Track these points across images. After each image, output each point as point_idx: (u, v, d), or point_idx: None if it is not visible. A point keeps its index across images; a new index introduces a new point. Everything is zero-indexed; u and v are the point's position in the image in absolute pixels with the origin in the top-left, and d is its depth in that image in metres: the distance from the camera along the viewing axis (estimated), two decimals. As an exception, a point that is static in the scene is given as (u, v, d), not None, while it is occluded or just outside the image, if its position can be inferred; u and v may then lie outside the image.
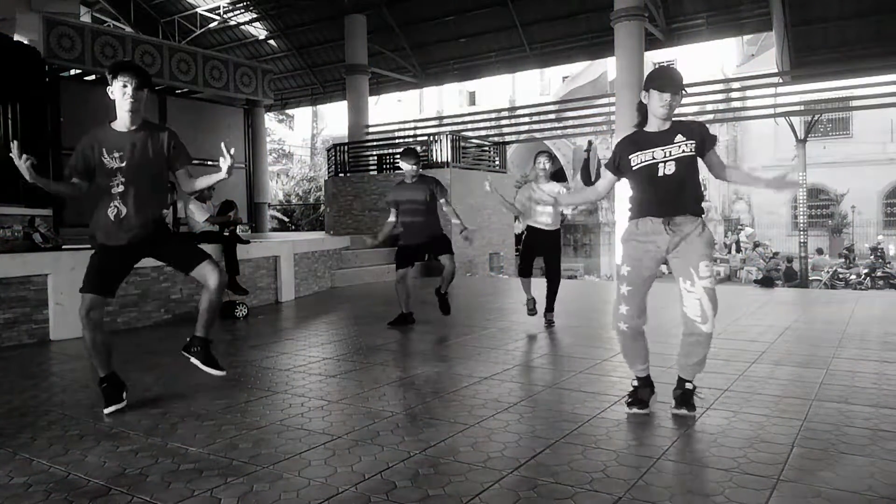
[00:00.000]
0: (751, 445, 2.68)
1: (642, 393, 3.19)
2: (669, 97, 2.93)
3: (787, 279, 17.15)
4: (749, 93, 15.24)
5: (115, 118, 3.24)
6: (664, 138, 2.99)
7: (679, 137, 2.97)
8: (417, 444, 2.75)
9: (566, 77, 30.96)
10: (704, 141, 2.99)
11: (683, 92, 3.00)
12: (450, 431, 2.91)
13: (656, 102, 2.96)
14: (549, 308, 5.78)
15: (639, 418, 3.09)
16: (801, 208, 17.11)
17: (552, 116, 17.61)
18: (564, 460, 2.55)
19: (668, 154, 2.96)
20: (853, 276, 17.66)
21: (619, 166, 3.12)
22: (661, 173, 2.96)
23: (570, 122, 16.60)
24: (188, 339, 3.51)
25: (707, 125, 3.16)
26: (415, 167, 5.77)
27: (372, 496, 2.24)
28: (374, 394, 3.59)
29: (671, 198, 2.98)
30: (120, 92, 3.16)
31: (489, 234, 13.27)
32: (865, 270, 17.73)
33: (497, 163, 14.89)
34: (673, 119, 3.04)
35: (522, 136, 18.38)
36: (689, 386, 3.12)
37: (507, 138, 17.64)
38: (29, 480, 2.44)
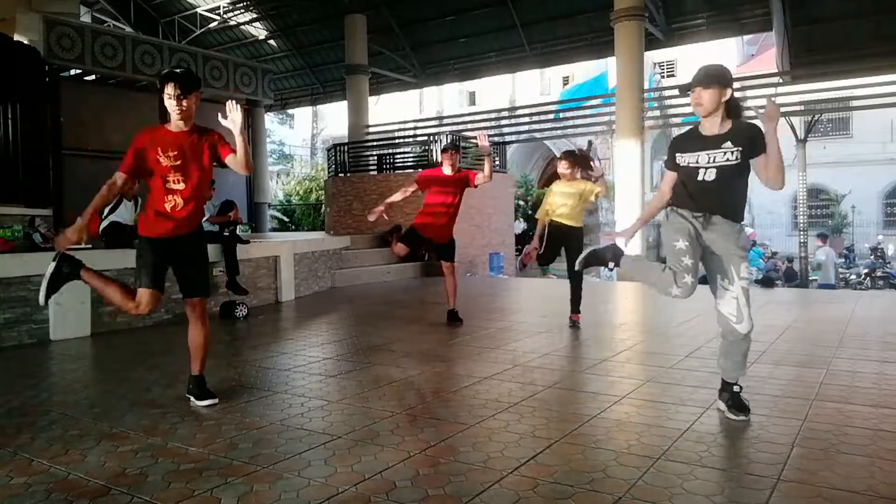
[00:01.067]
0: (751, 445, 2.68)
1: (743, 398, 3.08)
2: (696, 93, 2.90)
3: (787, 279, 17.14)
4: (749, 93, 15.24)
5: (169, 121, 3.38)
6: (713, 143, 2.91)
7: (727, 144, 2.89)
8: (417, 444, 2.75)
9: (566, 77, 30.95)
10: (754, 144, 2.87)
11: (716, 85, 2.90)
12: (450, 431, 2.91)
13: (692, 103, 2.94)
14: (575, 309, 5.71)
15: (641, 418, 3.09)
16: (801, 208, 17.09)
17: (552, 116, 17.62)
18: (564, 460, 2.55)
19: (711, 160, 2.91)
20: (853, 276, 17.65)
21: (671, 165, 3.08)
22: (700, 178, 2.93)
23: (571, 122, 16.61)
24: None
25: (761, 129, 2.97)
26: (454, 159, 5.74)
27: (372, 496, 2.24)
28: (374, 394, 3.59)
29: (709, 201, 2.95)
30: (166, 101, 3.28)
31: (489, 234, 13.27)
32: (865, 270, 17.72)
33: (497, 163, 14.87)
34: (735, 121, 2.95)
35: (522, 136, 18.38)
36: (735, 388, 3.08)
37: (507, 138, 17.65)
38: (29, 480, 2.43)
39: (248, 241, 7.60)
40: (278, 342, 5.51)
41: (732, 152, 2.87)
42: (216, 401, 3.39)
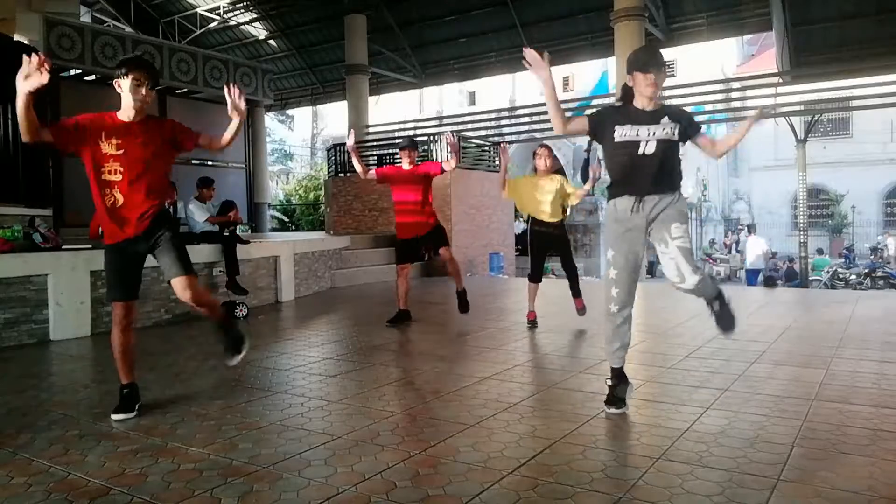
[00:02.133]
0: (751, 445, 2.68)
1: (619, 391, 3.19)
2: (654, 76, 2.96)
3: (788, 279, 17.15)
4: (749, 93, 15.24)
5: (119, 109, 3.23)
6: (652, 118, 3.00)
7: (665, 119, 3.00)
8: (417, 444, 2.75)
9: (566, 77, 30.94)
10: (690, 125, 3.04)
11: (666, 69, 3.03)
12: (450, 431, 2.91)
13: (642, 83, 2.98)
14: (576, 294, 5.80)
15: (641, 418, 3.09)
16: (801, 208, 17.09)
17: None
18: (564, 460, 2.55)
19: (651, 133, 2.99)
20: (853, 276, 17.66)
21: (597, 126, 3.08)
22: (640, 151, 2.99)
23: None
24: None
25: (692, 114, 3.23)
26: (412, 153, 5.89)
27: (372, 496, 2.24)
28: (374, 394, 3.59)
29: (646, 177, 3.01)
30: (131, 87, 3.14)
31: (489, 234, 13.27)
32: (865, 270, 17.72)
33: (497, 163, 14.88)
34: (662, 102, 3.07)
35: (522, 136, 18.37)
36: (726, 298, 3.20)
37: (507, 138, 17.64)
38: (29, 480, 2.43)
39: (248, 242, 7.60)
40: (278, 342, 5.51)
41: (671, 127, 2.99)
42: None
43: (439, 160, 6.06)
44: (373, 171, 6.08)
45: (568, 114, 3.12)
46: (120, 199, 3.12)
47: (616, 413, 3.12)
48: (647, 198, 3.02)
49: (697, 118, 3.17)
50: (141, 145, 3.15)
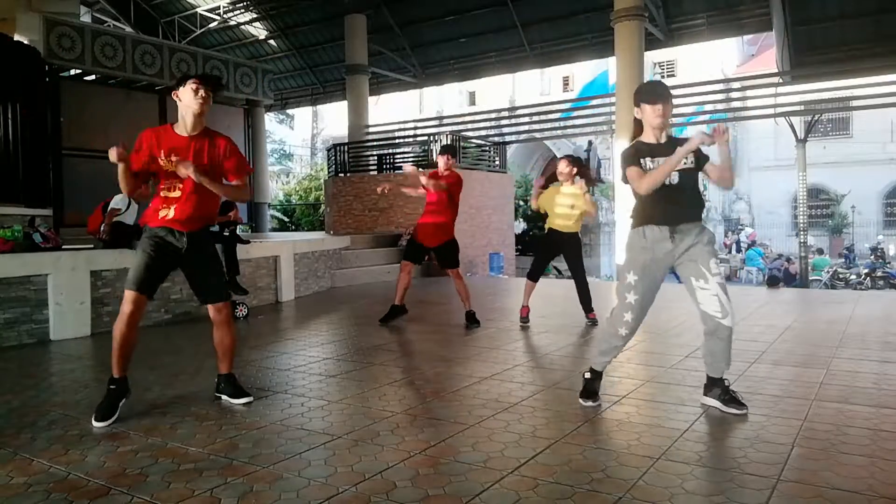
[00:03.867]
0: (751, 445, 2.68)
1: (595, 385, 3.35)
2: (662, 107, 3.04)
3: (784, 280, 17.16)
4: (749, 93, 15.25)
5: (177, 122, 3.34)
6: (668, 150, 3.05)
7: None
8: (417, 444, 2.75)
9: (566, 77, 30.96)
10: (702, 154, 3.11)
11: (672, 101, 3.11)
12: (450, 431, 2.91)
13: (650, 114, 3.06)
14: (588, 309, 5.84)
15: (641, 418, 3.09)
16: (801, 208, 17.09)
17: (552, 116, 17.62)
18: (564, 460, 2.55)
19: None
20: (853, 276, 17.65)
21: (636, 161, 3.12)
22: (667, 181, 3.03)
23: (571, 122, 16.60)
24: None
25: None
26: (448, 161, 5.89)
27: (372, 496, 2.24)
28: (374, 394, 3.59)
29: (676, 207, 3.06)
30: (191, 93, 3.24)
31: (489, 234, 13.27)
32: (865, 270, 17.71)
33: (497, 163, 14.90)
34: (671, 136, 3.15)
35: (522, 136, 18.38)
36: (727, 383, 3.19)
37: (507, 138, 17.65)
38: (29, 480, 2.43)
39: (248, 241, 7.60)
40: (278, 342, 5.51)
41: (688, 157, 3.04)
42: (251, 399, 3.44)
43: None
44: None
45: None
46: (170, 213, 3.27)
47: (591, 406, 3.24)
48: (681, 227, 3.05)
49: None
50: (197, 160, 3.26)
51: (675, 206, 3.06)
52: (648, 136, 3.14)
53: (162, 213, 3.25)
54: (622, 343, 3.26)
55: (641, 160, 3.09)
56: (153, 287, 3.29)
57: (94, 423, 3.05)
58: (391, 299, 6.13)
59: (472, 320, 5.90)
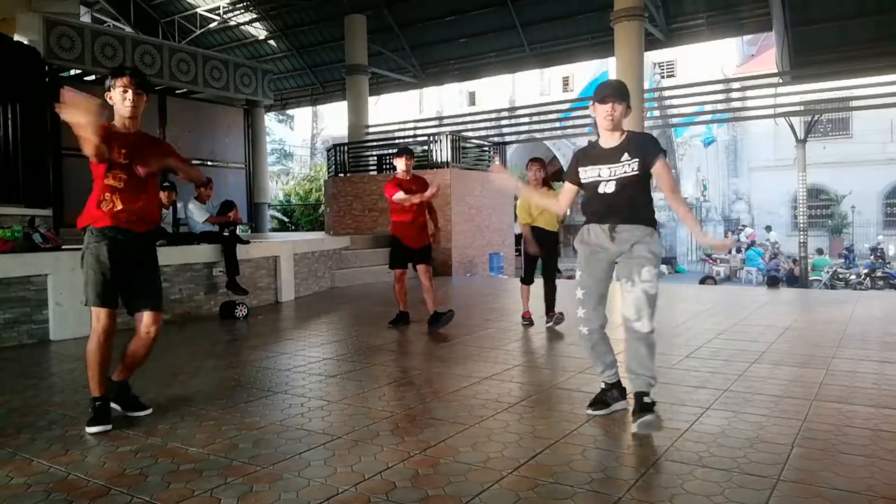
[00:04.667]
0: (751, 445, 2.68)
1: (608, 395, 3.20)
2: (611, 107, 2.96)
3: (788, 282, 17.17)
4: (749, 93, 15.23)
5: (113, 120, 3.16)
6: (612, 156, 3.01)
7: (625, 157, 2.98)
8: (417, 444, 2.75)
9: (566, 77, 30.97)
10: (646, 156, 2.97)
11: (627, 102, 3.01)
12: (450, 431, 2.91)
13: (601, 114, 2.99)
14: (550, 308, 5.78)
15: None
16: (801, 208, 17.08)
17: (552, 116, 17.61)
18: (564, 460, 2.55)
19: (612, 173, 3.00)
20: (853, 277, 17.65)
21: (570, 175, 3.18)
22: (601, 190, 3.02)
23: (571, 122, 16.60)
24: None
25: (654, 137, 3.15)
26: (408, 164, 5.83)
27: (372, 496, 2.24)
28: (374, 394, 3.59)
29: (614, 210, 3.02)
30: (120, 97, 3.10)
31: (489, 234, 13.27)
32: (865, 270, 17.71)
33: (497, 163, 14.88)
34: (628, 132, 3.06)
35: (522, 136, 18.38)
36: (647, 400, 2.93)
37: (507, 138, 17.64)
38: (29, 480, 2.43)
39: (247, 242, 7.60)
40: (278, 342, 5.51)
41: (630, 164, 2.97)
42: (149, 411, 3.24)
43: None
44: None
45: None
46: (119, 206, 3.04)
47: (596, 414, 3.13)
48: (620, 227, 3.01)
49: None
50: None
51: (613, 209, 3.02)
52: (602, 138, 3.07)
53: (106, 206, 3.00)
54: (589, 342, 3.15)
55: (580, 168, 3.08)
56: (117, 297, 3.07)
57: (88, 429, 2.98)
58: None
59: (437, 321, 5.68)
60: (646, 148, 3.00)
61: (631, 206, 3.02)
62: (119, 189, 3.02)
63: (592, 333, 3.13)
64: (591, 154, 3.11)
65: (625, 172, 2.97)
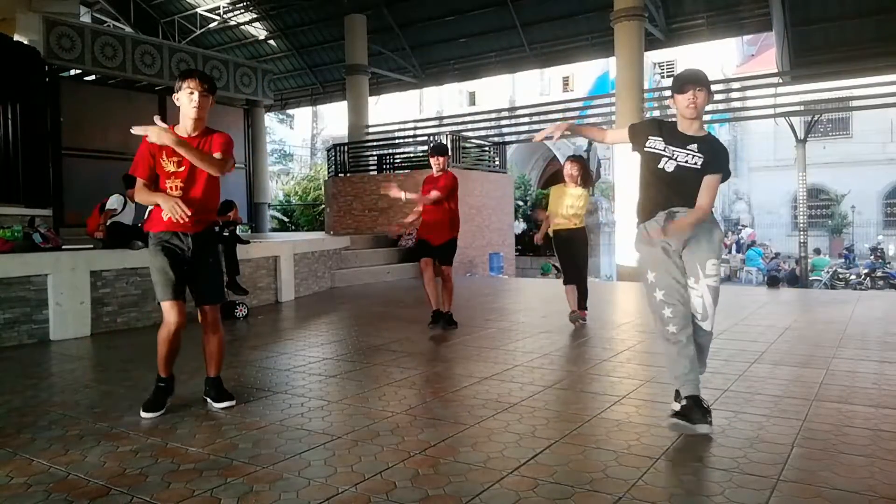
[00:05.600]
0: (751, 445, 2.68)
1: (695, 414, 2.82)
2: (692, 94, 2.89)
3: (789, 282, 17.17)
4: (749, 93, 15.24)
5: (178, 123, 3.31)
6: (684, 141, 2.94)
7: (693, 147, 2.93)
8: (417, 444, 2.75)
9: (566, 77, 30.97)
10: (713, 161, 2.91)
11: (708, 87, 2.92)
12: (450, 431, 2.91)
13: (683, 104, 2.93)
14: (583, 306, 5.82)
15: (641, 418, 3.09)
16: (801, 208, 17.08)
17: (552, 116, 17.61)
18: (564, 460, 2.55)
19: (675, 156, 2.93)
20: (853, 277, 17.65)
21: (637, 133, 3.05)
22: (660, 165, 2.95)
23: (570, 123, 16.58)
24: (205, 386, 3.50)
25: (727, 154, 3.05)
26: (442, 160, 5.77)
27: (372, 496, 2.24)
28: (374, 394, 3.59)
29: (673, 192, 2.95)
30: (186, 98, 3.22)
31: (489, 234, 13.27)
32: (865, 270, 17.72)
33: (497, 163, 14.90)
34: (709, 134, 2.99)
35: (522, 136, 18.38)
36: (706, 405, 2.88)
37: (507, 138, 17.65)
38: (29, 480, 2.43)
39: (248, 242, 7.60)
40: (278, 342, 5.51)
41: (695, 157, 2.91)
42: (233, 402, 3.41)
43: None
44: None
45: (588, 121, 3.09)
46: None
47: (683, 425, 2.83)
48: (679, 211, 2.91)
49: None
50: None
51: (673, 190, 2.94)
52: (680, 123, 2.98)
53: (166, 216, 3.24)
54: (681, 343, 2.88)
55: (651, 137, 2.96)
56: (184, 290, 3.35)
57: (144, 414, 3.20)
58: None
59: (451, 322, 5.75)
60: (717, 155, 2.93)
61: (689, 192, 2.93)
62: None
63: (683, 331, 2.89)
64: (666, 128, 3.00)
65: (686, 162, 2.91)
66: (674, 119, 3.06)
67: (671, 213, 2.94)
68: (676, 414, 2.90)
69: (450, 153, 5.90)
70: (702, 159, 2.91)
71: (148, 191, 3.24)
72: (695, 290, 2.95)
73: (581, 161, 5.88)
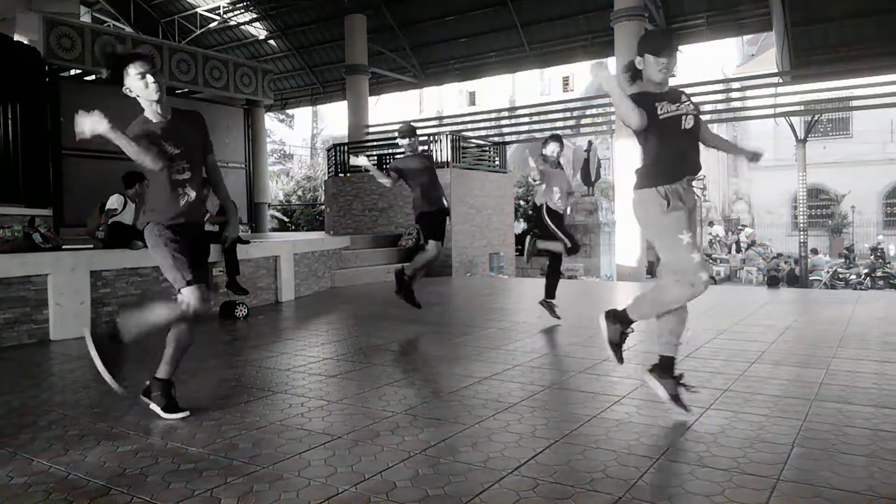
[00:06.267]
0: (751, 445, 2.68)
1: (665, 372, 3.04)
2: (666, 60, 2.85)
3: (789, 282, 17.17)
4: (749, 93, 15.25)
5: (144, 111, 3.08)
6: (675, 97, 2.90)
7: (683, 97, 2.93)
8: (417, 444, 2.75)
9: (566, 77, 30.97)
10: (696, 105, 2.98)
11: (677, 56, 2.91)
12: (450, 431, 2.91)
13: (653, 67, 2.85)
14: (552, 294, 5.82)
15: (641, 418, 3.09)
16: (801, 208, 17.09)
17: (552, 116, 17.62)
18: (564, 460, 2.55)
19: (687, 109, 2.90)
20: (853, 276, 17.66)
21: (642, 103, 2.84)
22: (684, 126, 2.88)
23: (570, 123, 16.61)
24: (147, 383, 3.26)
25: None
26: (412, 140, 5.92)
27: (372, 496, 2.24)
28: (374, 394, 3.58)
29: (692, 154, 2.93)
30: (140, 84, 2.96)
31: (489, 234, 13.27)
32: (865, 270, 17.73)
33: (497, 163, 14.89)
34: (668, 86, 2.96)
35: (522, 136, 18.39)
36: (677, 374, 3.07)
37: (507, 138, 17.65)
38: (29, 480, 2.43)
39: (248, 241, 7.60)
40: (278, 342, 5.51)
41: (689, 105, 2.93)
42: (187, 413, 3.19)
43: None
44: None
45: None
46: (193, 195, 3.10)
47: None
48: (688, 182, 2.90)
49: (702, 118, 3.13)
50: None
51: (690, 152, 2.89)
52: (647, 88, 2.92)
53: (182, 200, 3.04)
54: (695, 294, 2.86)
55: (654, 104, 2.83)
56: (204, 273, 3.12)
57: (170, 416, 3.11)
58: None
59: (405, 286, 5.97)
60: (692, 101, 2.95)
61: (697, 152, 2.93)
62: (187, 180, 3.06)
63: (706, 284, 2.84)
64: (654, 94, 2.89)
65: (691, 109, 2.90)
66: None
67: (690, 179, 2.91)
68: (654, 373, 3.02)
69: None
70: (691, 105, 2.93)
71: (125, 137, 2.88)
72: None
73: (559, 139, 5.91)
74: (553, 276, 5.82)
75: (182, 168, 3.05)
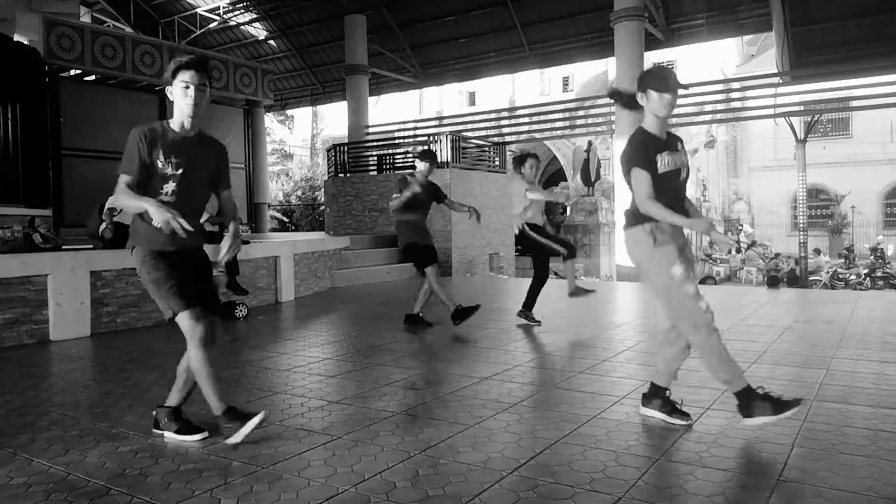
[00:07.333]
0: (751, 445, 2.68)
1: (755, 397, 2.79)
2: (670, 97, 2.87)
3: (790, 283, 17.17)
4: (749, 93, 15.26)
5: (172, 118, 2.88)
6: (672, 144, 2.94)
7: (680, 146, 2.97)
8: (417, 444, 2.75)
9: (566, 77, 30.98)
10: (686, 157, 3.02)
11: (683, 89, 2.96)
12: (450, 431, 2.91)
13: (657, 104, 2.87)
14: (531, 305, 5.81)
15: (641, 418, 3.09)
16: (801, 208, 17.08)
17: (552, 116, 17.62)
18: (564, 460, 2.55)
19: (683, 161, 2.95)
20: (853, 277, 17.65)
21: (652, 164, 2.86)
22: (681, 177, 2.94)
23: (570, 123, 16.62)
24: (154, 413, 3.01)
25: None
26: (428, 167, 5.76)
27: (372, 496, 2.24)
28: (374, 394, 3.58)
29: (680, 196, 2.97)
30: (180, 93, 2.77)
31: (489, 235, 13.27)
32: (865, 271, 17.72)
33: (497, 163, 14.89)
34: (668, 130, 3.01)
35: (522, 136, 18.39)
36: (668, 394, 3.03)
37: (507, 138, 17.65)
38: (29, 480, 2.43)
39: (248, 242, 7.60)
40: (278, 342, 5.51)
41: (685, 156, 2.98)
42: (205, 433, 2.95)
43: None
44: None
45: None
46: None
47: (768, 421, 2.76)
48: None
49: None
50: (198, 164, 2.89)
51: (680, 200, 2.94)
52: (651, 127, 2.92)
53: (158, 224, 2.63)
54: (719, 333, 2.82)
55: (658, 157, 2.83)
56: (204, 297, 2.86)
57: (190, 438, 2.85)
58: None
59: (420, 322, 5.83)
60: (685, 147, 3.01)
61: (685, 194, 2.98)
62: (172, 203, 2.74)
63: (713, 319, 2.81)
64: (657, 142, 2.90)
65: (683, 163, 2.94)
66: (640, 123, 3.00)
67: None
68: (747, 411, 2.77)
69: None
70: (685, 157, 2.97)
71: (132, 193, 2.67)
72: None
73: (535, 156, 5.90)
74: (537, 287, 5.85)
75: (170, 191, 2.79)
